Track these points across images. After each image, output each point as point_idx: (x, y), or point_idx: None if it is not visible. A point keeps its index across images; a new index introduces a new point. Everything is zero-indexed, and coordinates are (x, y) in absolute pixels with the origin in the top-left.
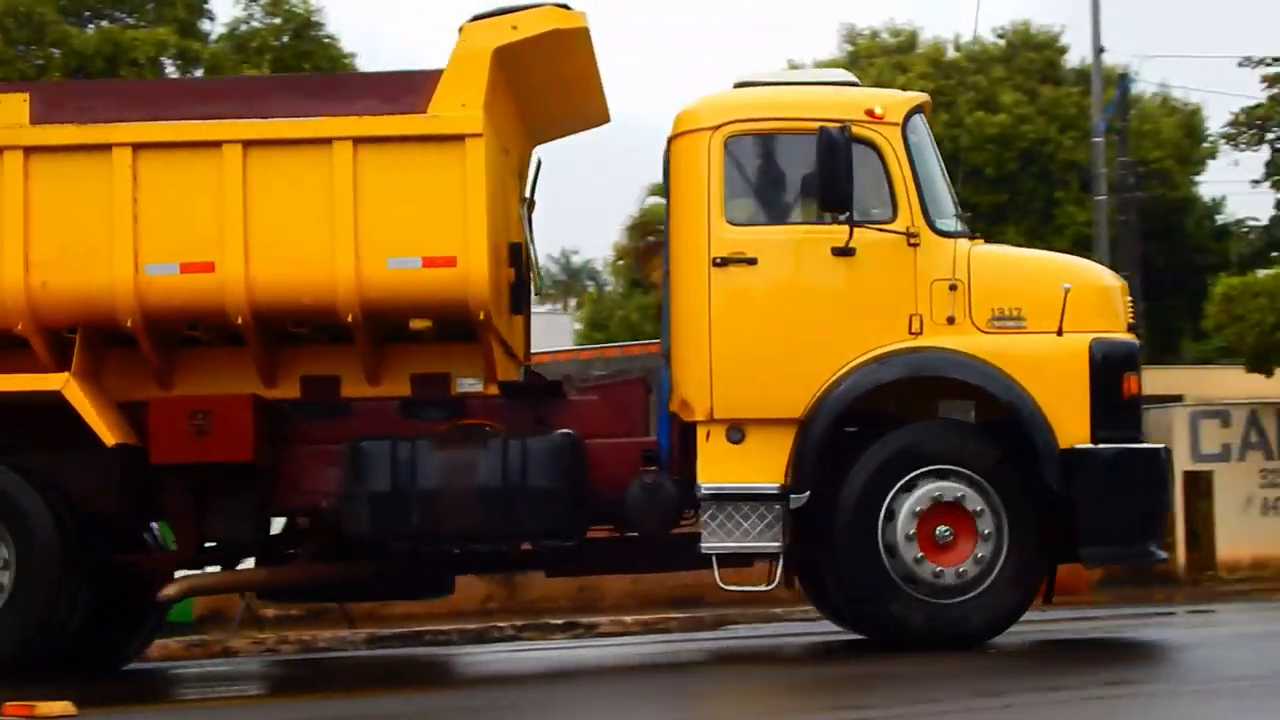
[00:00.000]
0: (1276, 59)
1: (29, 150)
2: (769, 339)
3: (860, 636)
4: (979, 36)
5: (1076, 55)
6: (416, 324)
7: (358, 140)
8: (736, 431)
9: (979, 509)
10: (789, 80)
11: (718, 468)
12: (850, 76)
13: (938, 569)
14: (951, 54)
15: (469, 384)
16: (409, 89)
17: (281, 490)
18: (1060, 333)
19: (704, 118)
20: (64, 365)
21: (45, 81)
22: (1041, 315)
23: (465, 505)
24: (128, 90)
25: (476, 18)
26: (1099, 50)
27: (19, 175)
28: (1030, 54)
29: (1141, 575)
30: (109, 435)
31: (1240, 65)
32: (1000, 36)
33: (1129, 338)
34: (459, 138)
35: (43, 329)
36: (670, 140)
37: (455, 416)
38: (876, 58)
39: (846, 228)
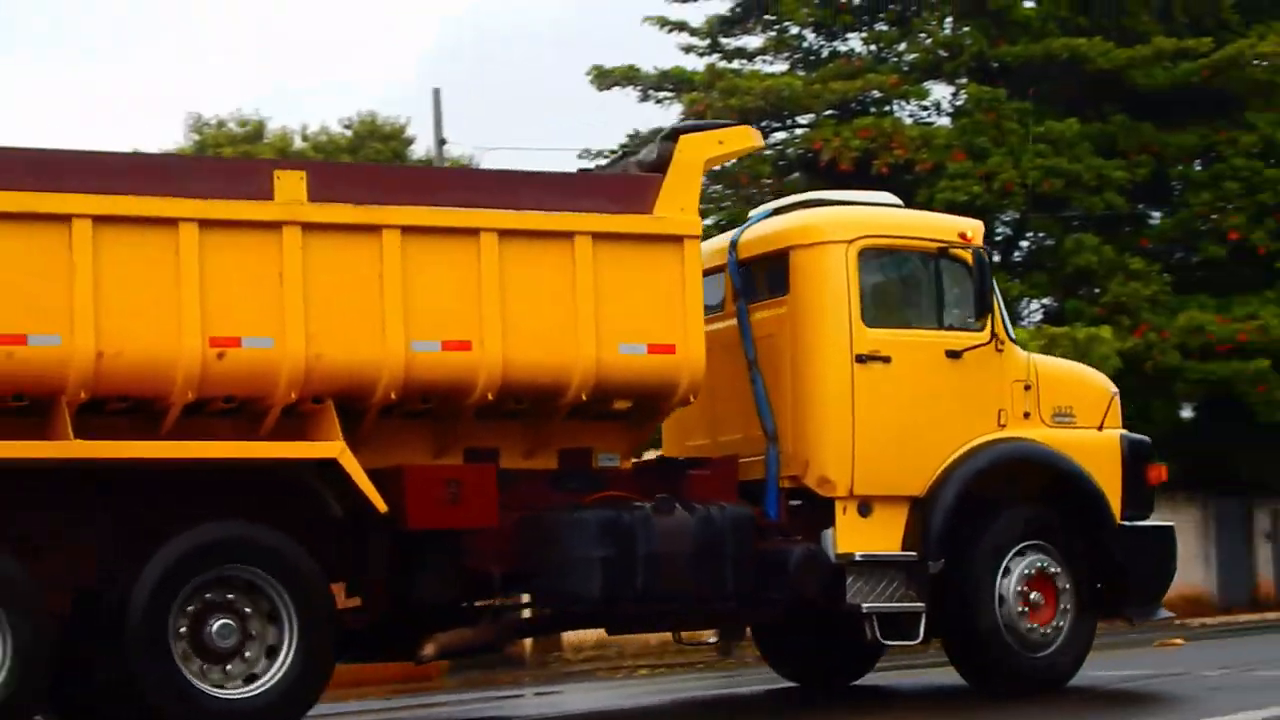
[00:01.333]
0: (614, 151)
1: (307, 226)
2: (899, 427)
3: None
4: (325, 127)
5: (422, 146)
6: (620, 404)
7: (597, 235)
8: (865, 506)
9: (1061, 577)
10: (854, 200)
11: (851, 538)
12: (895, 199)
13: (1031, 625)
14: (299, 144)
15: (607, 459)
16: (635, 191)
17: (496, 554)
18: (1101, 429)
19: (837, 232)
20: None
21: (319, 161)
22: (1084, 413)
23: (681, 569)
24: (398, 175)
25: (683, 130)
26: (441, 142)
27: (298, 250)
28: (377, 144)
29: (488, 660)
30: (380, 503)
31: (579, 157)
32: (347, 127)
33: (1142, 435)
34: (680, 238)
35: (298, 400)
36: (793, 249)
37: (598, 489)
38: (224, 147)
39: (955, 332)
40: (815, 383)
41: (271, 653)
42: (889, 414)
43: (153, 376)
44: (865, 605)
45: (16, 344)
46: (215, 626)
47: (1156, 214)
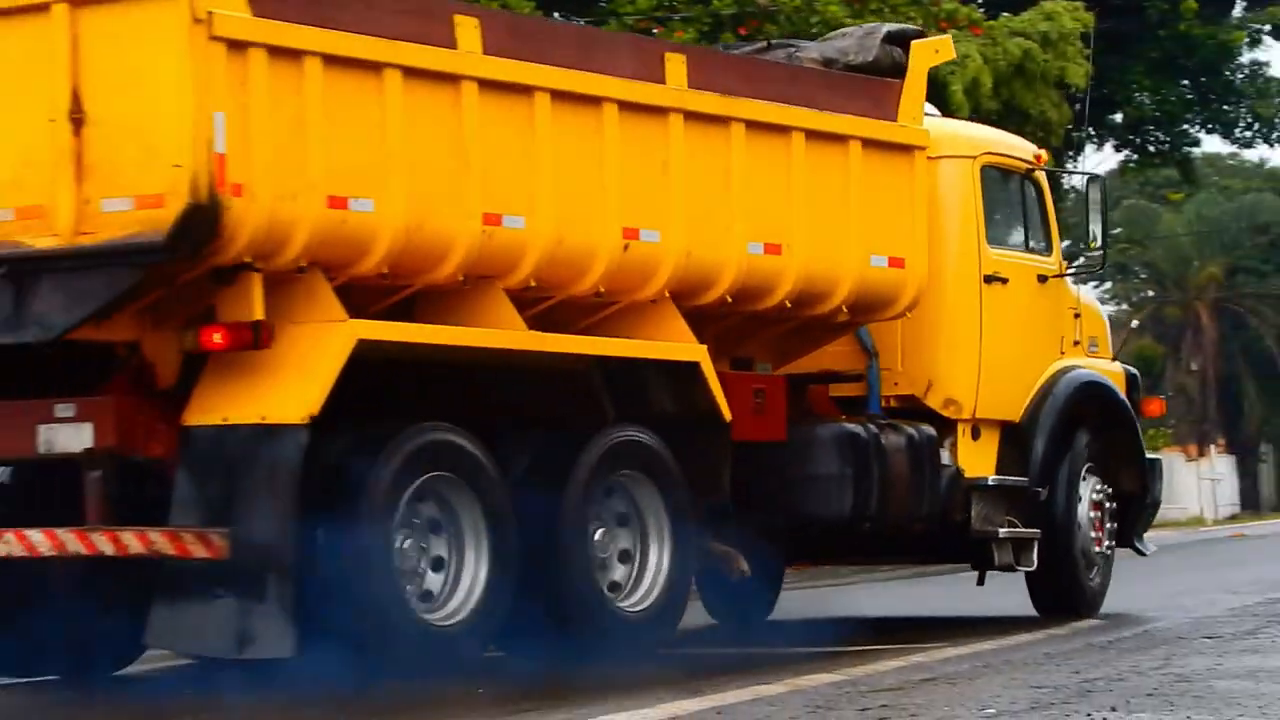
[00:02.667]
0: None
1: (688, 115)
2: (1010, 351)
3: None
4: None
5: None
6: (843, 316)
7: (865, 141)
8: (976, 430)
9: (1107, 502)
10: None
11: (968, 461)
12: (933, 108)
13: (1095, 549)
14: None
15: (762, 368)
16: (884, 96)
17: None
18: (1115, 359)
19: (963, 147)
20: None
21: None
22: (1103, 344)
23: (903, 490)
24: (756, 66)
25: (905, 35)
26: None
27: (681, 139)
28: None
29: None
30: (728, 411)
31: None
32: None
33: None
34: (916, 149)
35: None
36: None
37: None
38: None
39: (1037, 256)
40: (945, 302)
41: (642, 560)
42: (1005, 337)
43: (578, 266)
44: (1002, 532)
45: (494, 225)
46: (598, 535)
47: None
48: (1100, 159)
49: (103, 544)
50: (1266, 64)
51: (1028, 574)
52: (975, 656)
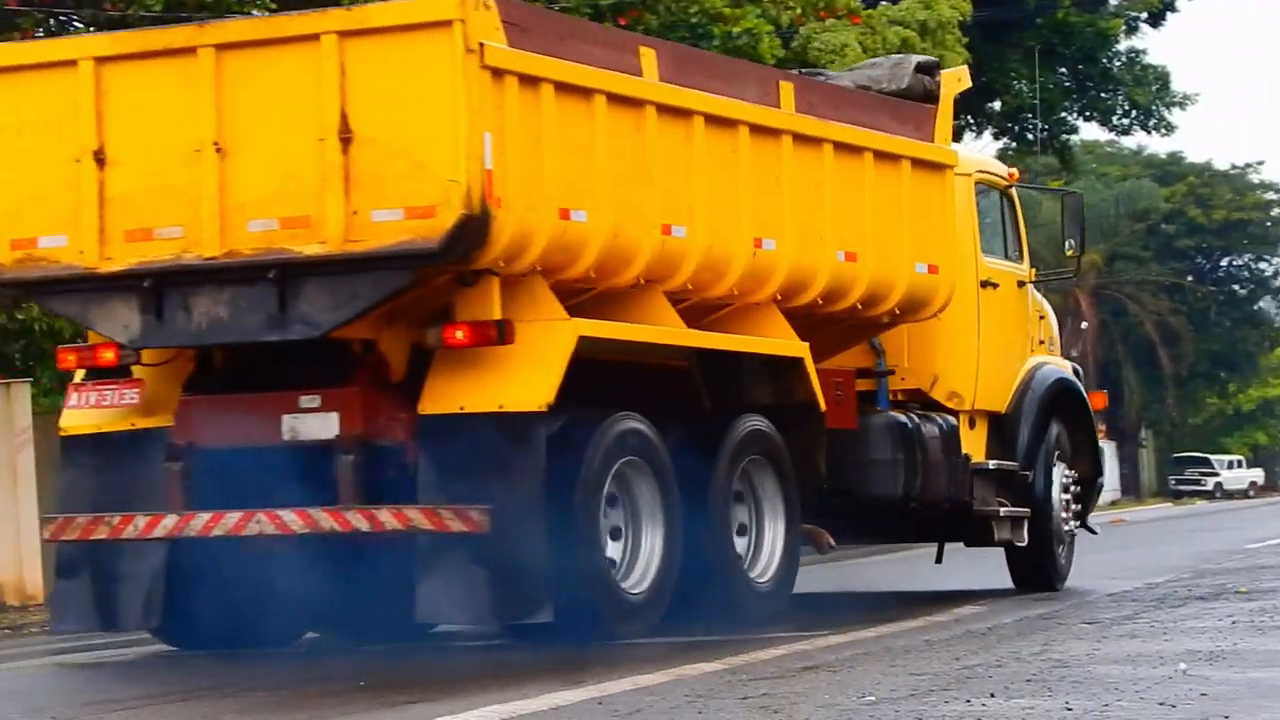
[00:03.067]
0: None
1: (796, 136)
2: (999, 348)
3: None
4: None
5: None
6: (888, 319)
7: (914, 161)
8: (973, 420)
9: (1074, 484)
10: None
11: (969, 449)
12: None
13: (1066, 528)
14: None
15: None
16: (924, 120)
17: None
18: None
19: (963, 165)
20: None
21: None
22: (1055, 343)
23: (938, 473)
24: (831, 91)
25: (931, 66)
26: None
27: (791, 157)
28: None
29: None
30: (823, 401)
31: None
32: None
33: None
34: (945, 167)
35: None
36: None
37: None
38: None
39: (1013, 264)
40: (949, 304)
41: (758, 536)
42: (995, 337)
43: (720, 271)
44: (1003, 511)
45: (666, 234)
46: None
47: None
48: (979, 146)
49: (358, 521)
50: (1144, 51)
51: (1009, 551)
52: (856, 644)
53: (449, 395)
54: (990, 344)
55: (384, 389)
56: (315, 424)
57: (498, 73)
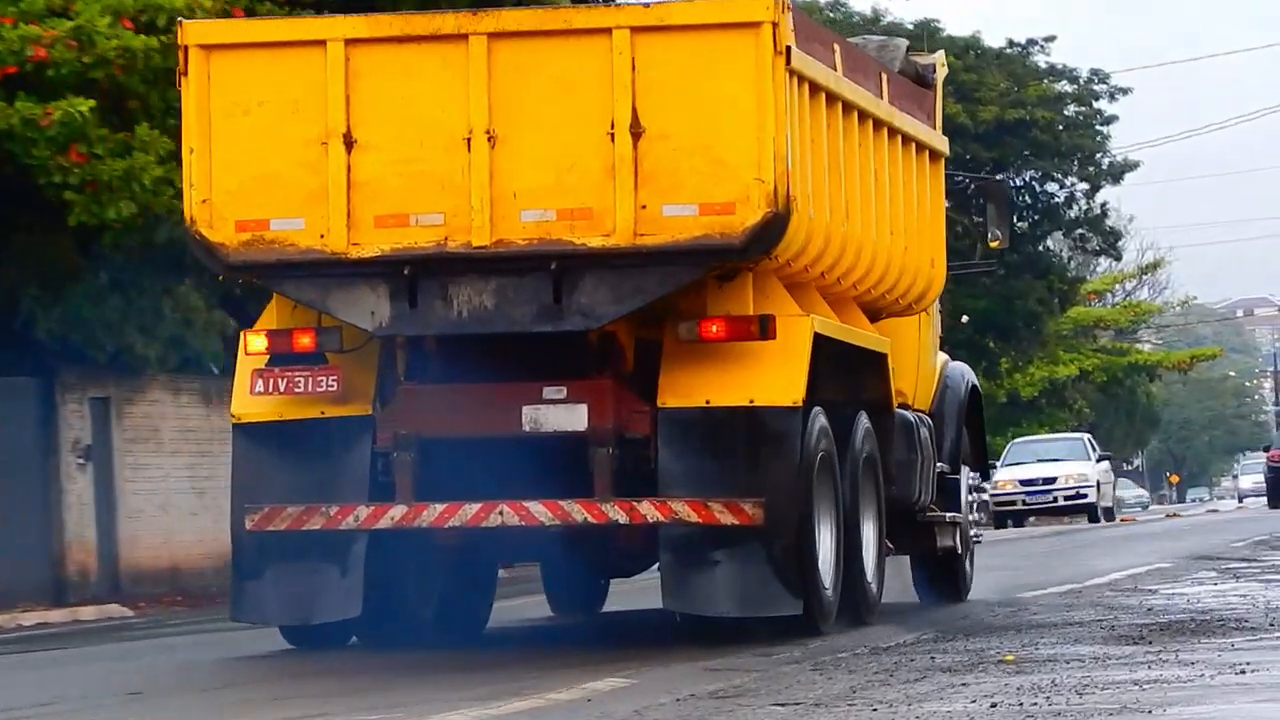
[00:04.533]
0: None
1: (890, 131)
2: (929, 345)
3: None
4: None
5: None
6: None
7: (932, 153)
8: None
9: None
10: None
11: None
12: None
13: (975, 532)
14: None
15: None
16: (928, 106)
17: None
18: None
19: None
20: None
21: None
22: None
23: (930, 476)
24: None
25: (913, 48)
26: None
27: (897, 155)
28: None
29: None
30: (894, 400)
31: None
32: None
33: None
34: (941, 156)
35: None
36: None
37: None
38: None
39: None
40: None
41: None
42: (928, 330)
43: (893, 271)
44: (949, 516)
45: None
46: None
47: None
48: None
49: (615, 514)
50: None
51: (915, 560)
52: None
53: (691, 389)
54: (925, 340)
55: (624, 381)
56: (561, 415)
57: (796, 75)
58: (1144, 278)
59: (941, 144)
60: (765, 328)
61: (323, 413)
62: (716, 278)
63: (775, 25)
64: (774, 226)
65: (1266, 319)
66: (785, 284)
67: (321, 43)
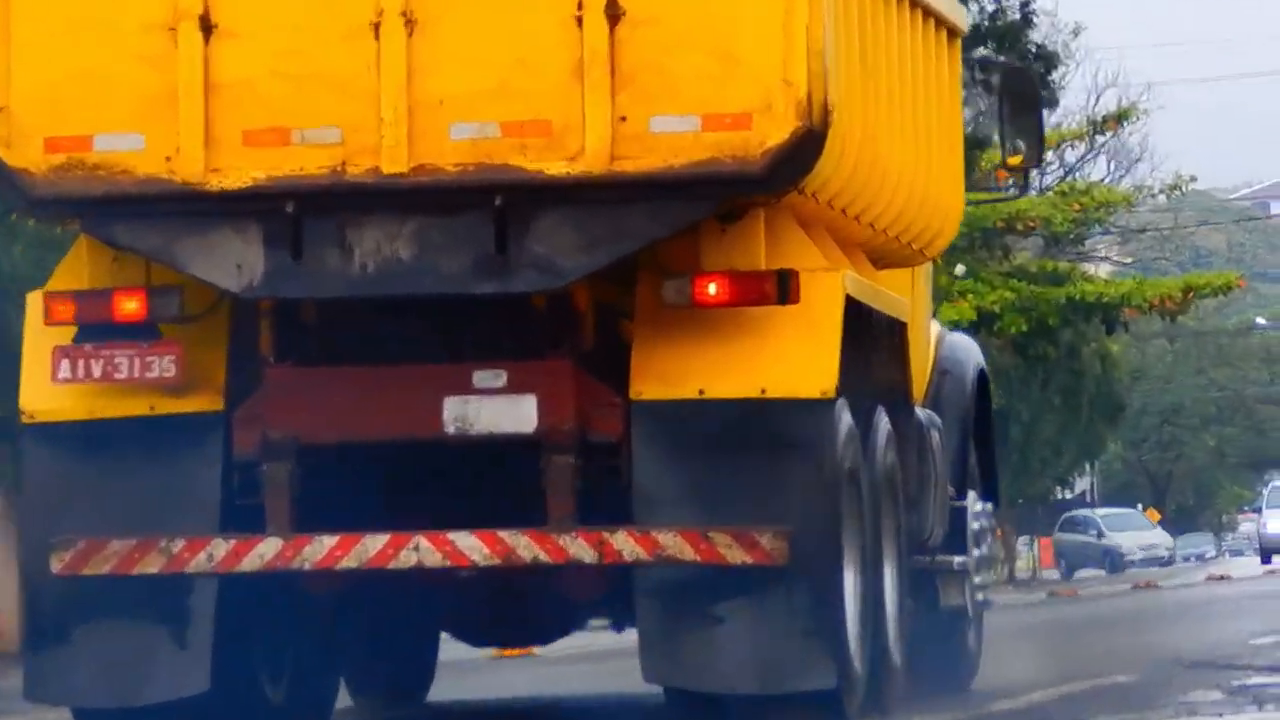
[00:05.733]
0: None
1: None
2: (921, 315)
3: None
4: None
5: None
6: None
7: (938, 22)
8: None
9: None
10: None
11: None
12: None
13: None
14: None
15: None
16: None
17: None
18: None
19: None
20: None
21: None
22: None
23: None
24: None
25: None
26: None
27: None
28: None
29: None
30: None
31: None
32: None
33: None
34: (957, 35)
35: None
36: None
37: None
38: None
39: None
40: None
41: None
42: (925, 298)
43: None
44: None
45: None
46: None
47: None
48: None
49: (579, 550)
50: None
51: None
52: None
53: (677, 374)
54: (922, 301)
55: (585, 363)
56: (499, 411)
57: None
58: (1101, 137)
59: (960, 17)
60: (785, 288)
61: (153, 407)
62: (717, 218)
63: None
64: (806, 147)
65: None
66: (801, 224)
67: None
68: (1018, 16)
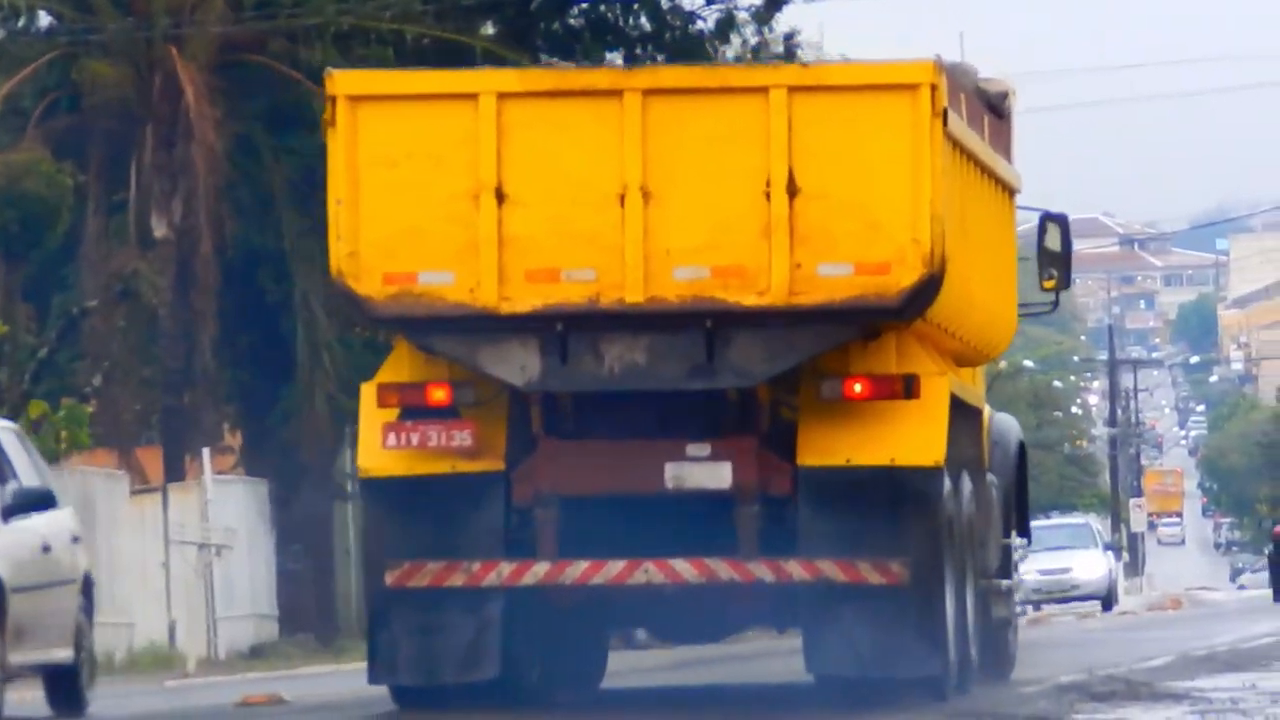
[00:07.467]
0: None
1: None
2: (983, 406)
3: None
4: None
5: None
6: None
7: (1002, 185)
8: None
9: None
10: None
11: None
12: None
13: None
14: None
15: None
16: (1005, 142)
17: None
18: None
19: None
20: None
21: None
22: None
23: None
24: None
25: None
26: None
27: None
28: None
29: None
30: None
31: None
32: None
33: None
34: (1015, 194)
35: None
36: None
37: None
38: None
39: None
40: None
41: None
42: (982, 388)
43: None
44: (1004, 584)
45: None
46: None
47: None
48: None
49: (761, 572)
50: None
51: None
52: None
53: (830, 447)
54: (980, 390)
55: (762, 439)
56: (704, 473)
57: (950, 139)
58: None
59: (1017, 180)
60: (910, 387)
61: (454, 467)
62: (862, 337)
63: (934, 88)
64: (929, 287)
65: (1096, 259)
66: (918, 340)
67: (473, 96)
68: (781, 49)
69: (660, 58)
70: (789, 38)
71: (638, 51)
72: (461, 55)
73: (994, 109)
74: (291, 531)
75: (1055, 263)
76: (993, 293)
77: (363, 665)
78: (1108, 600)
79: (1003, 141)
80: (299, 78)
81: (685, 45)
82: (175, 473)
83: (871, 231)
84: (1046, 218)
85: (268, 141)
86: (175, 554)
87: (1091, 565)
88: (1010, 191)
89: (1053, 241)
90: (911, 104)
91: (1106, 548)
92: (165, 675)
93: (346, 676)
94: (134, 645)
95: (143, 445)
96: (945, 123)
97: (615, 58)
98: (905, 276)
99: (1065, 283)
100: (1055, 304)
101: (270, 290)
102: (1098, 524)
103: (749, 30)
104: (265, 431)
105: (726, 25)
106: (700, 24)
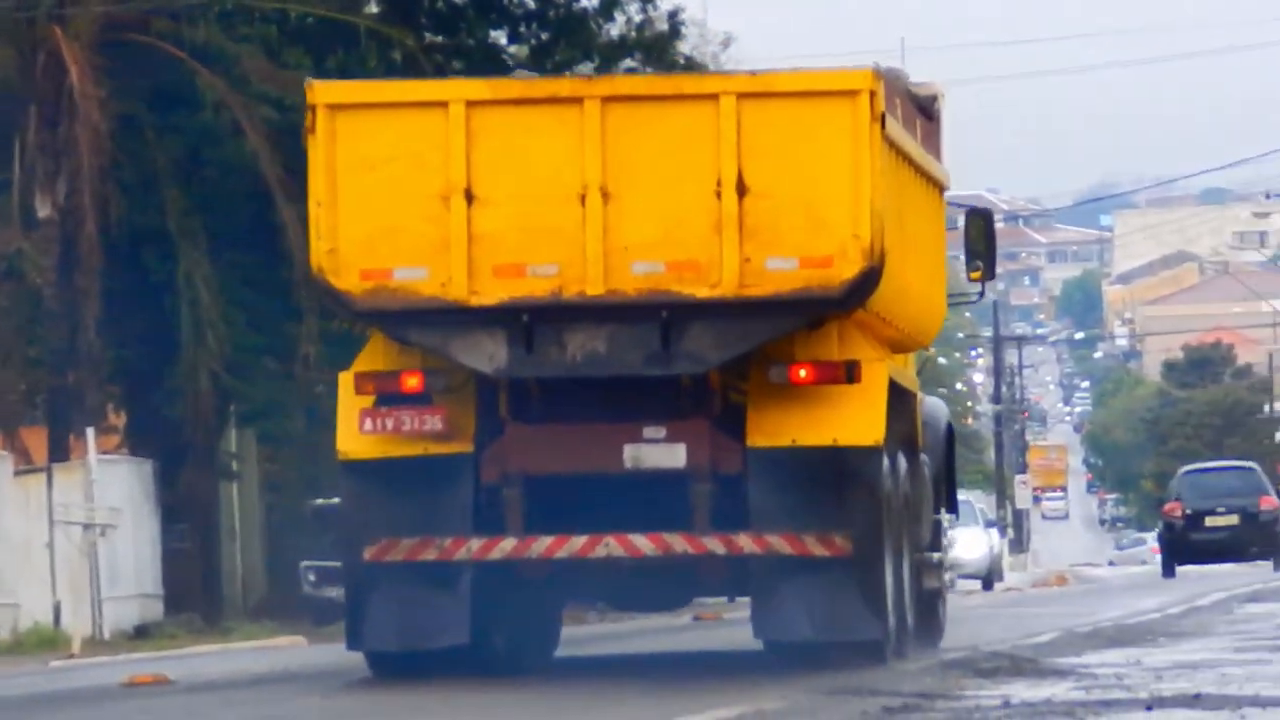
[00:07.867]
0: None
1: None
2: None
3: None
4: None
5: None
6: None
7: (932, 182)
8: None
9: None
10: None
11: None
12: None
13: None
14: None
15: None
16: (935, 142)
17: None
18: None
19: None
20: None
21: None
22: None
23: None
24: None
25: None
26: None
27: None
28: None
29: None
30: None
31: None
32: None
33: None
34: (944, 191)
35: None
36: None
37: None
38: None
39: None
40: None
41: None
42: (913, 372)
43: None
44: (935, 556)
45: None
46: None
47: None
48: None
49: (714, 545)
50: None
51: None
52: None
53: (777, 429)
54: (911, 374)
55: (714, 421)
56: (660, 453)
57: (889, 141)
58: None
59: (946, 178)
60: (851, 373)
61: (426, 450)
62: (806, 326)
63: (873, 94)
64: (869, 279)
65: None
66: (858, 328)
67: (444, 104)
68: (666, 28)
69: (544, 36)
70: (673, 15)
71: (521, 30)
72: (345, 34)
73: (924, 111)
74: (177, 511)
75: (980, 255)
76: (926, 284)
77: (248, 645)
78: (988, 579)
79: (933, 142)
80: (183, 56)
81: (569, 23)
82: (60, 453)
83: (815, 227)
84: (972, 213)
85: (152, 121)
86: (60, 534)
87: (971, 544)
88: (940, 189)
89: (977, 235)
90: (852, 109)
91: (988, 525)
92: (50, 655)
93: (232, 656)
94: (19, 626)
95: (27, 425)
96: (884, 126)
97: (499, 36)
98: (847, 269)
99: (990, 274)
100: (981, 294)
101: (154, 270)
102: (980, 502)
103: (634, 8)
104: (150, 411)
105: (610, 3)
106: (584, 1)
